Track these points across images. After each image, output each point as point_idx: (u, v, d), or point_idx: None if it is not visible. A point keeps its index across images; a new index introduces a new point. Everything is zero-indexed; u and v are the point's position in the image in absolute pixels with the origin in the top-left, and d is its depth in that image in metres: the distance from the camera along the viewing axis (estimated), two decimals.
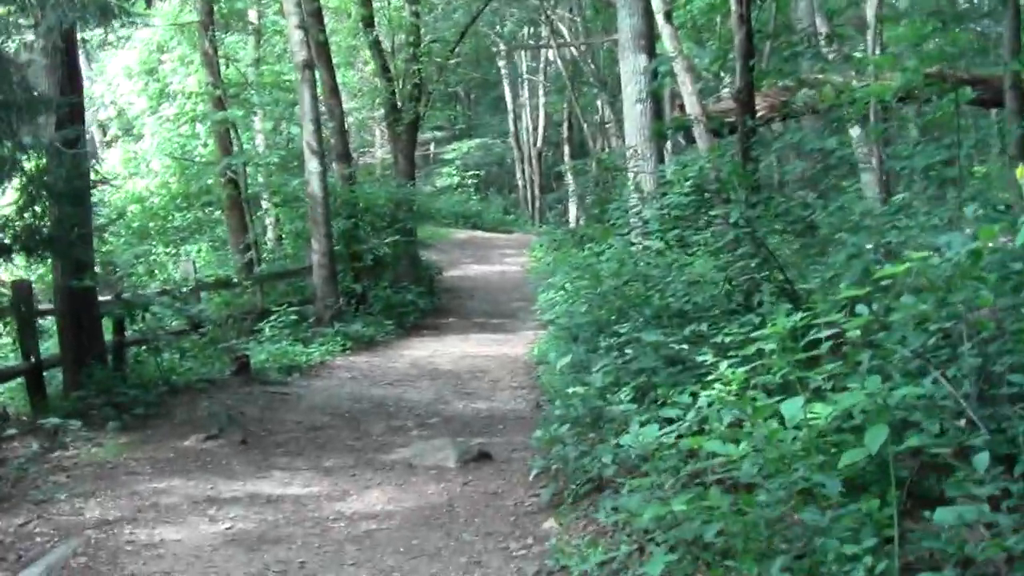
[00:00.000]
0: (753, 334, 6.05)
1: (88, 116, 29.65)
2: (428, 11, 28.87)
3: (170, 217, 22.83)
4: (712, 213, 9.19)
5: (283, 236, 22.83)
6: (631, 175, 17.42)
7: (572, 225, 40.31)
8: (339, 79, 22.78)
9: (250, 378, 13.23)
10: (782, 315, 5.46)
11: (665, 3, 16.36)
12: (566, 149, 47.66)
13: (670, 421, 6.32)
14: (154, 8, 25.60)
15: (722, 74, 15.64)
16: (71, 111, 11.55)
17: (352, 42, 26.11)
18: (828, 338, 5.50)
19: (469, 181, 47.01)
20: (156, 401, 11.38)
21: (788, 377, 5.53)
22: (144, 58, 25.82)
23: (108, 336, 12.40)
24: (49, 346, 13.12)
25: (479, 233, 39.64)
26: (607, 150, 40.75)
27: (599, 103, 41.82)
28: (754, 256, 8.48)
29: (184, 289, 14.99)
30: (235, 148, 20.29)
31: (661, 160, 17.52)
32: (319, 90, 20.22)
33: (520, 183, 50.49)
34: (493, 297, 24.98)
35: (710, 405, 6.04)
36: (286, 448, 10.15)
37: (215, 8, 20.32)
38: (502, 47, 43.61)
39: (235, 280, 17.54)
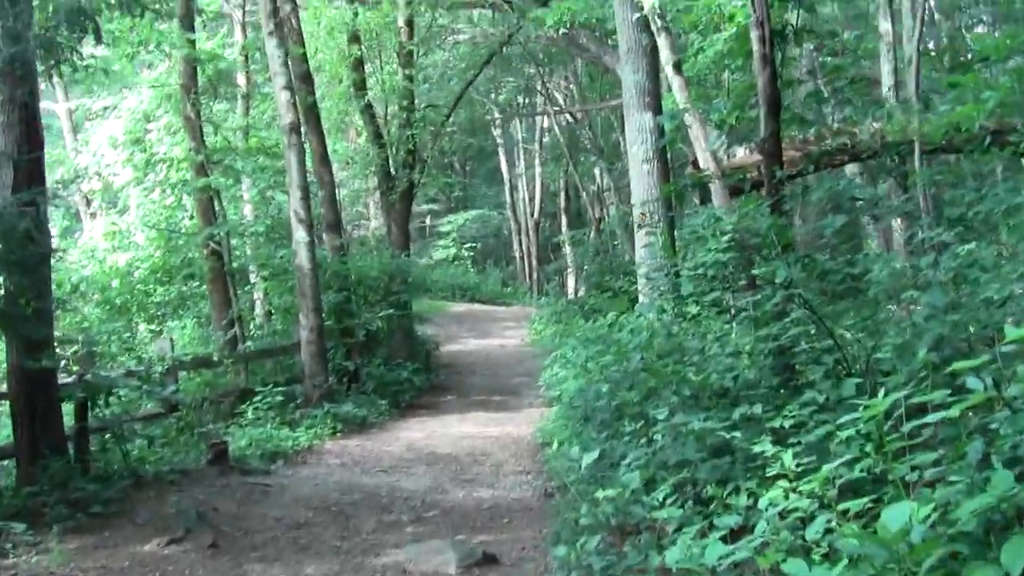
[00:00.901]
0: (818, 417, 4.87)
1: (73, 187, 29.22)
2: (423, 80, 28.01)
3: (152, 292, 21.61)
4: (753, 272, 7.94)
5: (272, 311, 21.61)
6: (640, 238, 16.39)
7: (571, 296, 39.66)
8: (330, 147, 21.71)
9: (228, 467, 11.92)
10: (879, 397, 4.21)
11: (673, 54, 15.35)
12: (563, 219, 47.32)
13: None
14: (139, 76, 24.83)
15: (736, 125, 14.53)
16: (29, 170, 10.43)
17: (343, 107, 25.04)
18: (925, 423, 4.31)
19: (466, 253, 46.09)
20: (118, 496, 10.03)
21: (883, 472, 4.29)
22: (130, 127, 24.81)
23: (71, 422, 11.17)
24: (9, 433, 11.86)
25: (477, 306, 38.50)
26: (606, 219, 39.89)
27: (597, 171, 41.05)
28: (804, 323, 7.27)
29: (159, 369, 13.78)
30: (219, 218, 19.09)
31: (671, 223, 16.44)
32: (308, 156, 19.17)
33: (517, 254, 49.88)
34: (493, 372, 23.75)
35: (780, 510, 4.78)
36: (262, 552, 8.86)
37: (199, 71, 19.19)
38: (497, 115, 42.71)
39: (215, 358, 16.24)
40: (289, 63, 17.35)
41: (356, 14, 22.03)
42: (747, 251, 7.94)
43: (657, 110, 16.45)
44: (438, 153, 26.60)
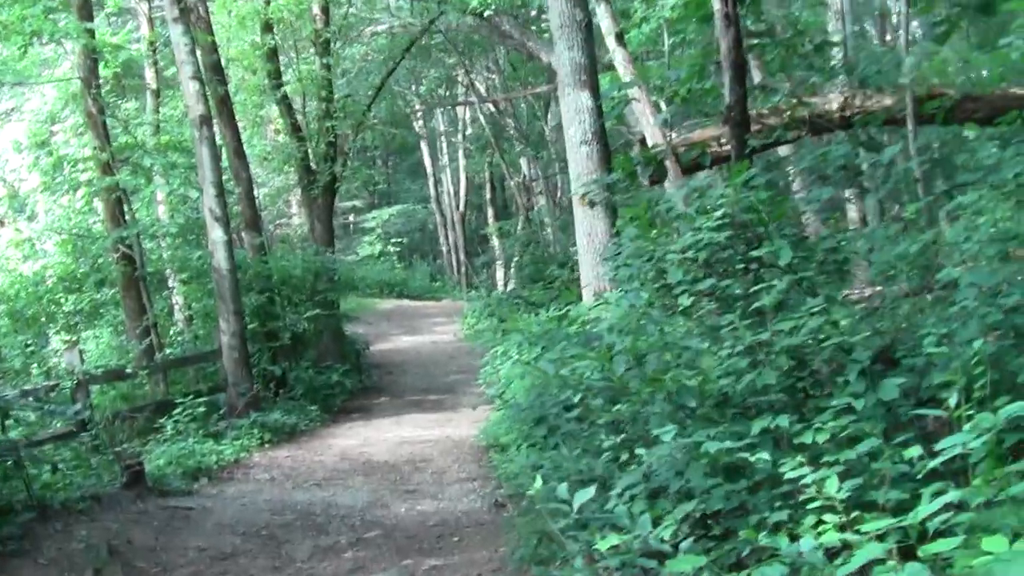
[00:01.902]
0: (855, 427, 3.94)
1: None
2: (342, 74, 26.94)
3: (63, 301, 20.31)
4: (752, 253, 6.76)
5: (192, 316, 20.41)
6: (582, 224, 15.52)
7: (502, 288, 38.87)
8: (245, 142, 20.60)
9: (146, 489, 10.82)
10: (998, 405, 3.29)
11: (615, 24, 14.46)
12: (490, 211, 46.61)
13: None
14: (38, 74, 23.56)
15: (686, 97, 13.64)
16: None
17: (258, 100, 23.88)
18: None
19: (392, 249, 45.15)
20: (18, 533, 8.89)
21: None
22: (34, 130, 23.51)
23: None
24: None
25: (406, 302, 37.63)
26: (535, 209, 39.07)
27: (523, 161, 40.21)
28: (827, 313, 6.17)
29: (68, 384, 12.67)
30: (129, 220, 17.87)
31: (612, 208, 15.59)
32: (223, 151, 18.08)
33: (444, 248, 49.12)
34: (427, 371, 22.79)
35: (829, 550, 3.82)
36: None
37: (100, 65, 17.95)
38: (419, 107, 41.66)
39: (129, 370, 15.04)
40: (197, 52, 16.26)
41: (268, 2, 20.91)
42: (743, 230, 6.85)
43: (594, 88, 15.60)
44: (360, 147, 25.47)
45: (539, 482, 5.55)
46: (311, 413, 16.66)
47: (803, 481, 4.62)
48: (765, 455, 5.46)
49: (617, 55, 14.93)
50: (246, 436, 14.49)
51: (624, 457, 6.80)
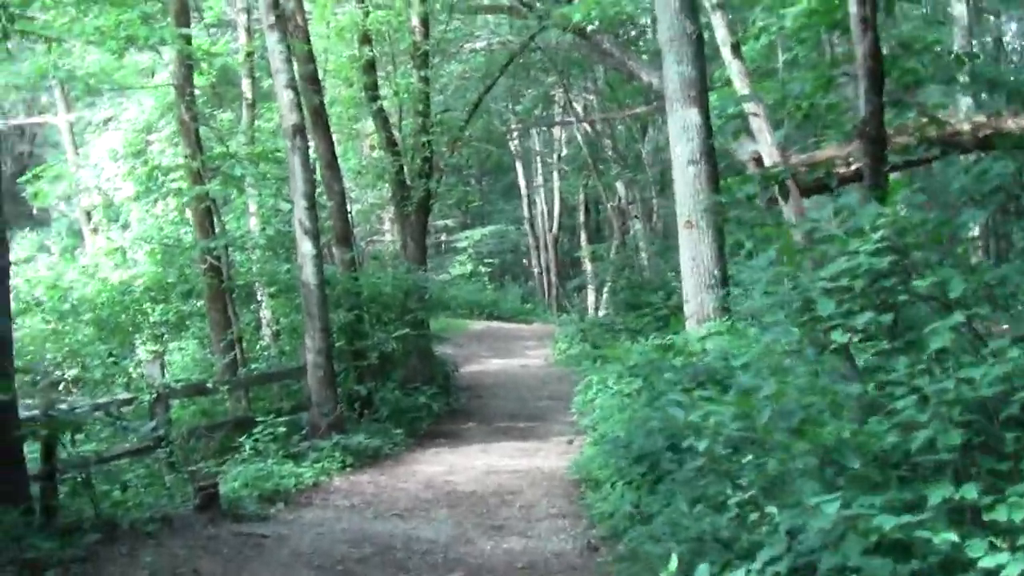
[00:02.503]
0: None
1: (74, 203, 27.82)
2: (439, 91, 26.47)
3: (150, 310, 19.99)
4: (916, 284, 5.76)
5: (279, 331, 19.97)
6: (686, 248, 14.80)
7: (592, 313, 38.18)
8: (339, 156, 20.14)
9: (219, 513, 10.30)
10: None
11: (730, 34, 13.74)
12: (582, 234, 45.81)
13: None
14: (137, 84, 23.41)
15: (807, 113, 12.83)
16: None
17: (354, 113, 23.51)
18: None
19: (483, 269, 44.60)
20: (82, 555, 8.39)
21: None
22: (130, 139, 23.34)
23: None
24: None
25: (496, 324, 36.97)
26: (631, 233, 38.28)
27: (619, 184, 39.41)
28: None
29: (146, 397, 12.23)
30: (217, 230, 17.47)
31: (720, 231, 14.86)
32: (316, 164, 17.64)
33: (536, 271, 48.52)
34: (517, 395, 22.13)
35: None
36: None
37: (195, 72, 17.62)
38: (516, 125, 41.08)
39: (210, 385, 14.55)
40: (293, 61, 15.83)
41: (367, 13, 20.47)
42: (901, 255, 5.86)
43: (704, 105, 14.90)
44: (454, 166, 24.96)
45: (674, 563, 4.77)
46: (396, 436, 16.09)
47: (1005, 573, 3.78)
48: (951, 536, 4.48)
49: (733, 67, 14.22)
50: (327, 459, 13.95)
51: (753, 516, 5.94)
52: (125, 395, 12.87)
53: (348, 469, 14.03)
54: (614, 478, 11.07)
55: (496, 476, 13.77)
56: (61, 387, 17.80)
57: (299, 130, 15.40)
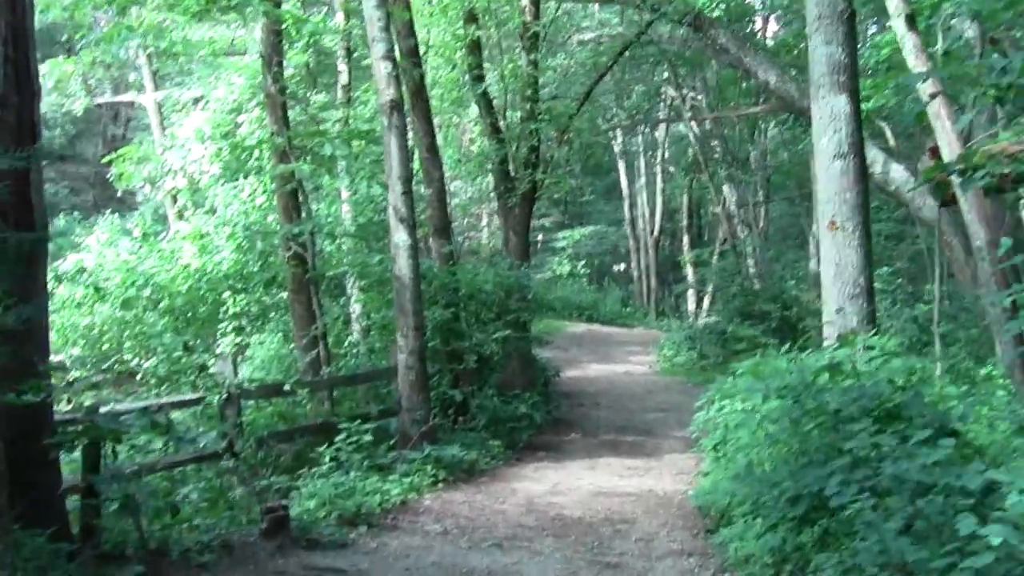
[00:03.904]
0: None
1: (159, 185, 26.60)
2: (543, 84, 24.95)
3: (229, 301, 18.54)
4: None
5: (369, 328, 18.40)
6: (829, 253, 13.04)
7: (692, 320, 36.59)
8: (439, 140, 18.65)
9: (289, 540, 8.73)
10: None
11: (905, 4, 11.92)
12: (685, 238, 44.69)
13: None
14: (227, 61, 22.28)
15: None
16: (19, 126, 7.45)
17: (455, 96, 22.03)
18: None
19: (581, 271, 43.09)
20: None
21: None
22: (218, 120, 22.02)
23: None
24: None
25: (596, 327, 35.36)
26: (740, 238, 36.42)
27: (725, 188, 37.52)
28: None
29: (214, 398, 10.74)
30: (304, 215, 15.92)
31: (867, 234, 13.07)
32: (414, 150, 16.13)
33: (635, 273, 47.17)
34: (622, 405, 20.45)
35: None
36: None
37: (284, 43, 16.16)
38: (624, 121, 39.41)
39: (287, 387, 12.93)
40: (392, 29, 14.30)
41: None
42: None
43: (854, 91, 13.11)
44: (555, 164, 23.40)
45: None
46: (493, 448, 14.52)
47: None
48: None
49: (907, 42, 12.43)
50: (417, 472, 12.41)
51: None
52: (190, 395, 11.37)
53: (440, 485, 12.50)
54: (753, 514, 9.38)
55: (606, 499, 12.20)
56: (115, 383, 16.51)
57: (396, 106, 13.87)
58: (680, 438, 16.45)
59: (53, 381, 7.68)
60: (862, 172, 13.14)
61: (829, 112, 13.11)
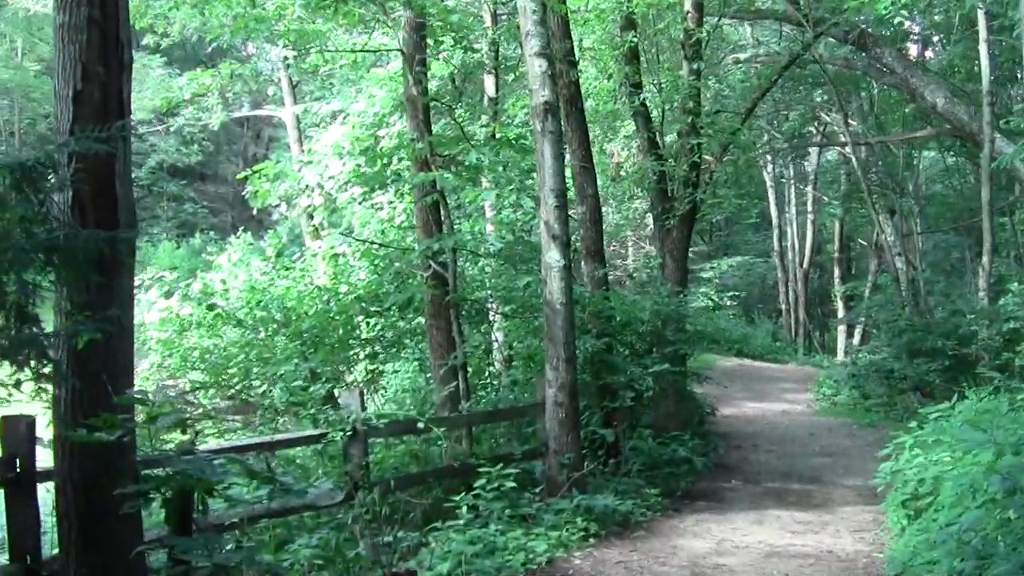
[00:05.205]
0: None
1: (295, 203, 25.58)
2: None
3: (364, 325, 17.18)
4: None
5: (512, 358, 16.87)
6: None
7: (842, 356, 35.13)
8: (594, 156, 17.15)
9: None
10: None
11: None
12: (835, 270, 42.66)
13: None
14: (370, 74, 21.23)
15: None
16: (104, 102, 6.13)
17: (610, 108, 20.54)
18: None
19: (728, 303, 41.36)
20: None
21: None
22: (358, 135, 20.83)
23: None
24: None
25: (747, 361, 33.62)
26: (902, 270, 34.27)
27: (881, 219, 35.39)
28: None
29: (337, 435, 9.30)
30: (444, 231, 14.44)
31: None
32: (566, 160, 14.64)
33: (783, 307, 45.35)
34: (783, 449, 18.61)
35: None
36: None
37: (428, 39, 14.76)
38: (783, 144, 37.59)
39: (422, 424, 11.33)
40: (548, 23, 12.83)
41: None
42: None
43: None
44: (731, 168, 21.76)
45: None
46: (649, 497, 12.83)
47: None
48: None
49: None
50: (566, 525, 10.83)
51: None
52: (311, 431, 9.95)
53: (591, 540, 10.90)
54: None
55: (780, 561, 10.50)
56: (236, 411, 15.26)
57: (551, 109, 12.35)
58: (851, 488, 14.76)
59: (141, 416, 6.27)
60: None
61: None
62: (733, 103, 24.89)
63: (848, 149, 34.46)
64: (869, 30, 22.63)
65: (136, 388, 6.48)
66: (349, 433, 9.64)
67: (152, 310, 17.83)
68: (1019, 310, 20.16)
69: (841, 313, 40.32)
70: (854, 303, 38.83)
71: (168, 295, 18.29)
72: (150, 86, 30.70)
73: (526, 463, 12.15)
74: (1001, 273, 25.44)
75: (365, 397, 11.63)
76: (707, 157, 19.01)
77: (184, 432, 6.60)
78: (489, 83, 20.09)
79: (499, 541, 9.68)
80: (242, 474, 6.08)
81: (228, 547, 6.55)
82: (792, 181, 44.90)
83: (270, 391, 15.96)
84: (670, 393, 16.22)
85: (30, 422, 6.45)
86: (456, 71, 19.13)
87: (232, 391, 17.09)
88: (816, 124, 37.82)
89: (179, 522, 6.33)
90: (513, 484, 10.87)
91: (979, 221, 23.82)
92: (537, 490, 11.71)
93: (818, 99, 34.50)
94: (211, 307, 16.83)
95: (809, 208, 43.38)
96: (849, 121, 32.77)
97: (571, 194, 15.51)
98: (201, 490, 5.91)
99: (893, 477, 11.97)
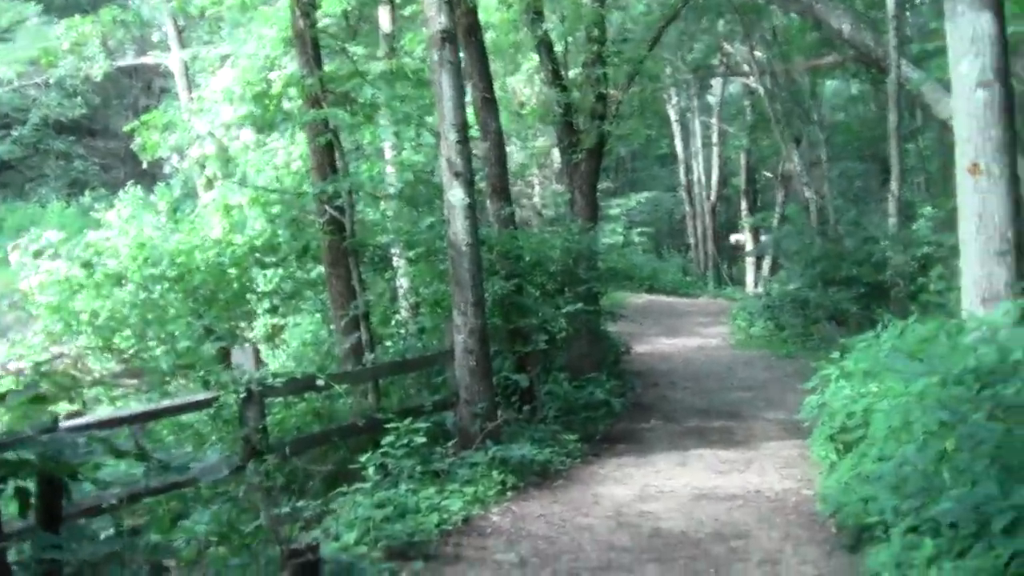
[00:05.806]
0: None
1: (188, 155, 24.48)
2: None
3: (260, 278, 16.30)
4: None
5: (418, 304, 16.10)
6: (971, 203, 10.77)
7: (752, 288, 35.77)
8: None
9: None
10: None
11: None
12: (742, 203, 42.42)
13: None
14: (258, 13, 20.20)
15: None
16: None
17: (511, 40, 19.77)
18: None
19: (636, 239, 41.03)
20: None
21: None
22: (248, 78, 19.82)
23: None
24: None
25: (659, 297, 33.44)
26: (812, 200, 34.10)
27: (786, 149, 35.16)
28: None
29: (230, 397, 8.56)
30: (340, 171, 13.56)
31: (1015, 179, 10.83)
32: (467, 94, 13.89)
33: (691, 240, 45.29)
34: (701, 385, 18.17)
35: None
36: None
37: None
38: (687, 75, 37.11)
39: (322, 381, 10.59)
40: None
41: None
42: None
43: (999, 9, 10.84)
44: (636, 99, 21.11)
45: None
46: (567, 444, 12.26)
47: None
48: None
49: None
50: (482, 479, 10.23)
51: None
52: (202, 395, 9.17)
53: (509, 493, 10.39)
54: (917, 531, 7.13)
55: (708, 504, 10.08)
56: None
57: (449, 37, 11.57)
58: (774, 421, 14.47)
59: None
60: (1008, 106, 10.90)
61: (970, 33, 10.86)
62: (638, 36, 24.30)
63: (753, 79, 34.15)
64: None
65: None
66: (243, 395, 8.89)
67: (36, 274, 16.86)
68: (932, 235, 19.94)
69: (750, 246, 40.16)
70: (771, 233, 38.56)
71: (55, 257, 17.31)
72: (26, 36, 29.43)
73: (437, 415, 11.49)
74: (908, 199, 25.30)
75: (265, 354, 10.89)
76: (612, 91, 18.35)
77: (72, 402, 5.80)
78: (384, 17, 19.16)
79: (410, 502, 9.03)
80: (108, 453, 5.27)
81: (106, 532, 5.75)
82: (696, 114, 44.47)
83: (165, 352, 15.13)
84: (584, 334, 15.59)
85: None
86: (350, 7, 18.15)
87: (126, 355, 16.21)
88: (721, 54, 37.37)
89: (44, 511, 5.51)
90: (423, 439, 10.19)
91: (885, 148, 23.62)
92: (450, 444, 11.08)
93: (722, 29, 33.92)
94: (87, 265, 15.84)
95: (715, 141, 43.10)
96: (754, 52, 32.41)
97: (474, 132, 14.77)
98: (64, 474, 5.10)
99: (819, 410, 11.55)
